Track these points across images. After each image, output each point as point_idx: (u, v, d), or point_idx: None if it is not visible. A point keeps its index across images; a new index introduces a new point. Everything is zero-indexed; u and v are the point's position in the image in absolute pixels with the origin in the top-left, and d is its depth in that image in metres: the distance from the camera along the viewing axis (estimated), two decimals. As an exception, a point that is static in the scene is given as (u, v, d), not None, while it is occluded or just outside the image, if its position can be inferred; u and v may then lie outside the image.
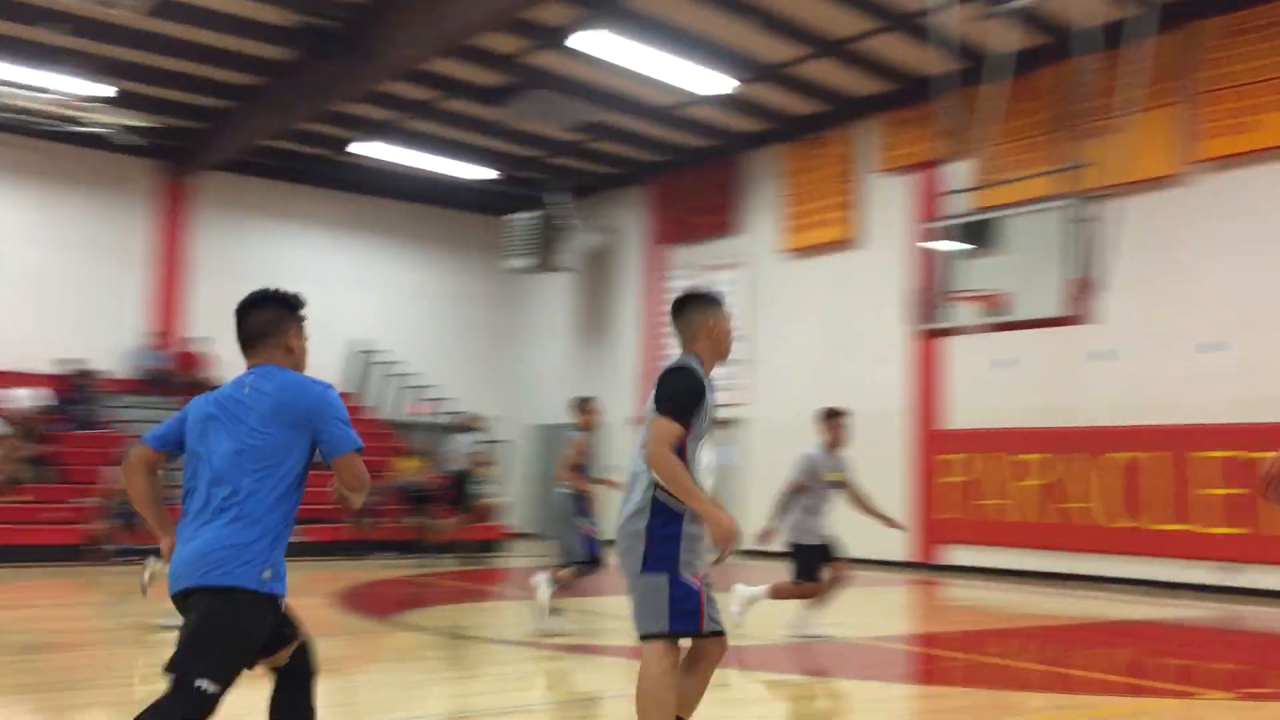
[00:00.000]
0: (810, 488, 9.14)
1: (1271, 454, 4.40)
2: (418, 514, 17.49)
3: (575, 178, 21.39)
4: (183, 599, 3.53)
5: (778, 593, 9.01)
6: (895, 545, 16.18)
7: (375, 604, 11.71)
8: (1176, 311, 13.69)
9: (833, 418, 9.45)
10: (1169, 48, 13.67)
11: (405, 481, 17.93)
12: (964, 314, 11.46)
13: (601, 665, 8.17)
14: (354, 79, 14.97)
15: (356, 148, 19.15)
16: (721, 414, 19.91)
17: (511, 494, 22.12)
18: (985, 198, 13.78)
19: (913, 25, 14.27)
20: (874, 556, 16.25)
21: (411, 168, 20.24)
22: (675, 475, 4.13)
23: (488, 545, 18.37)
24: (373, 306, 21.97)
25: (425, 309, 22.75)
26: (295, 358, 3.86)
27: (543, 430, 23.07)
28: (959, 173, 14.72)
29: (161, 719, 3.36)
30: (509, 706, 6.30)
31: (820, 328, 17.81)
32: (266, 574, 3.51)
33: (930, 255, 11.97)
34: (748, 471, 18.25)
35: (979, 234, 12.39)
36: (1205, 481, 13.19)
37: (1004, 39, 12.66)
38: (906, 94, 16.22)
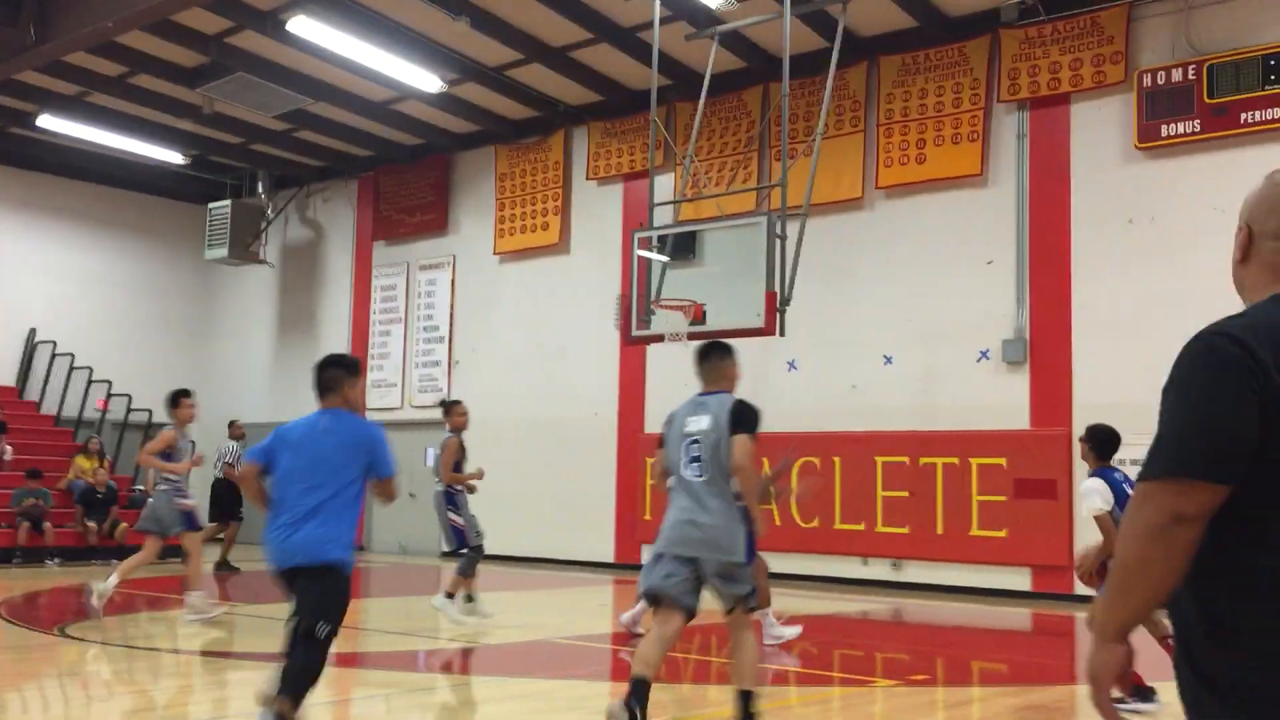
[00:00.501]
0: None
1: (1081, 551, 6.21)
2: (94, 517, 16.27)
3: (281, 168, 20.57)
4: (290, 574, 5.05)
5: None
6: (605, 548, 16.57)
7: (43, 615, 10.80)
8: (854, 326, 14.67)
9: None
10: (857, 80, 14.70)
11: (81, 482, 16.65)
12: (667, 322, 11.84)
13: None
14: (29, 48, 13.76)
15: (41, 122, 17.61)
16: (422, 415, 19.66)
17: (204, 496, 21.03)
18: (689, 210, 14.31)
19: (625, 38, 14.65)
20: (583, 558, 16.58)
21: (97, 146, 18.82)
22: (754, 487, 5.46)
23: (171, 550, 17.27)
24: (52, 294, 20.28)
25: (113, 299, 21.18)
26: (351, 403, 5.47)
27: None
28: (665, 185, 15.22)
29: (308, 662, 4.94)
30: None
31: (529, 331, 17.93)
32: (350, 556, 5.11)
33: (637, 264, 12.29)
34: (453, 473, 18.12)
35: (683, 245, 12.85)
36: (884, 484, 14.22)
37: (710, 60, 13.20)
38: (618, 105, 16.63)
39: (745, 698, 5.19)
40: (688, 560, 5.34)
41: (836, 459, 14.52)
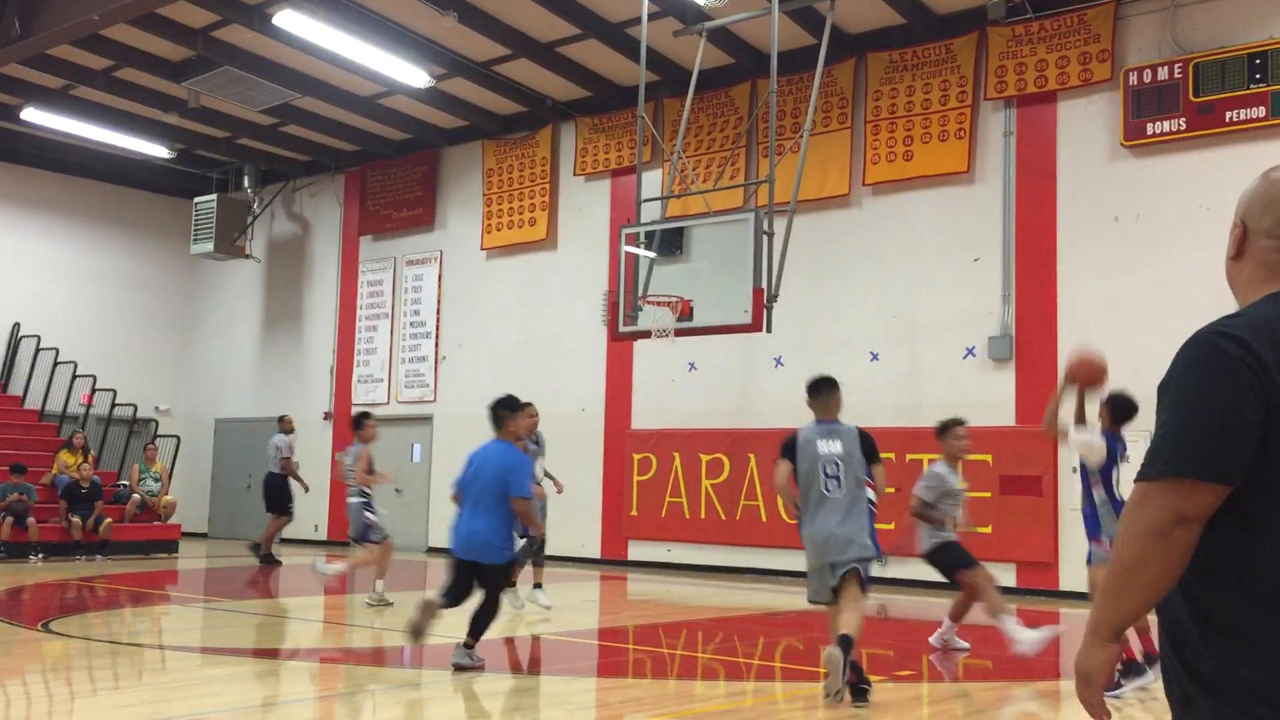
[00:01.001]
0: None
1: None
2: (78, 513, 16.21)
3: (267, 161, 20.50)
4: (467, 563, 7.44)
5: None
6: (592, 544, 16.57)
7: (26, 610, 10.76)
8: (840, 323, 14.70)
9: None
10: (845, 76, 14.72)
11: (64, 478, 16.58)
12: (654, 318, 11.83)
13: (275, 670, 7.86)
14: (14, 40, 13.67)
15: (25, 115, 17.51)
16: (408, 410, 19.66)
17: (187, 491, 20.97)
18: (677, 206, 14.31)
19: (614, 34, 14.64)
20: (570, 554, 16.57)
21: (82, 140, 18.73)
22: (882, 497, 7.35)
23: (156, 546, 17.27)
24: (36, 289, 20.19)
25: (98, 293, 21.09)
26: (513, 434, 7.73)
27: (226, 424, 21.97)
28: (653, 181, 15.22)
29: (489, 614, 7.44)
30: (171, 716, 5.94)
31: (516, 326, 17.91)
32: (508, 551, 7.59)
33: (625, 260, 12.28)
34: (434, 467, 18.13)
35: (670, 241, 12.85)
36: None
37: (698, 56, 13.21)
38: (606, 100, 16.62)
39: (846, 641, 6.28)
40: (834, 565, 6.59)
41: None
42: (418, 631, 7.33)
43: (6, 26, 13.42)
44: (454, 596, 7.44)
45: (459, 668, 7.25)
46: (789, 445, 6.92)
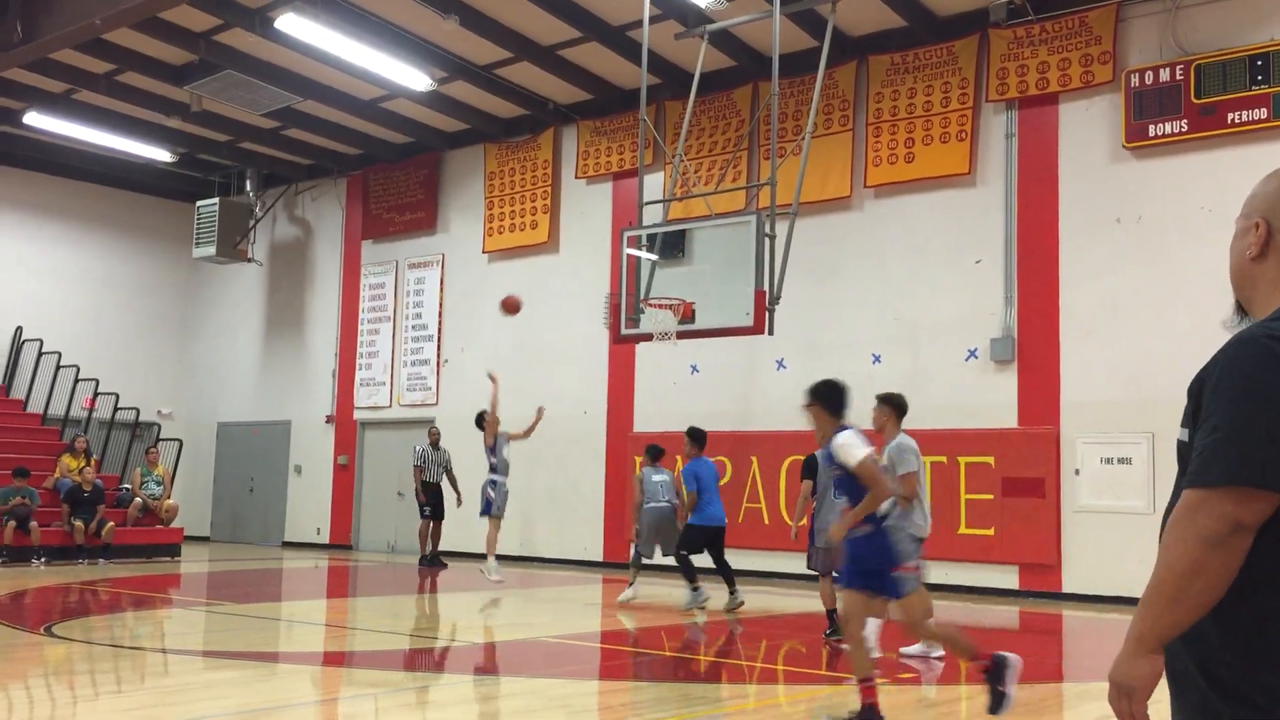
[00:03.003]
0: None
1: None
2: (81, 516, 16.21)
3: (269, 165, 20.51)
4: (713, 532, 11.23)
5: None
6: (594, 546, 16.57)
7: (29, 614, 10.76)
8: (843, 325, 14.69)
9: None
10: (846, 79, 14.72)
11: (66, 481, 16.59)
12: (656, 321, 11.83)
13: (276, 674, 7.86)
14: (16, 45, 13.68)
15: (28, 120, 17.53)
16: (410, 414, 19.63)
17: (189, 495, 20.98)
18: (679, 209, 14.31)
19: (615, 37, 14.65)
20: (572, 557, 16.57)
21: (83, 144, 18.75)
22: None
23: (158, 549, 17.26)
24: (38, 292, 20.21)
25: (100, 297, 21.11)
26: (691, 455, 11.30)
27: (229, 428, 21.99)
28: (655, 183, 15.21)
29: (729, 570, 11.38)
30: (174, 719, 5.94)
31: (517, 330, 17.89)
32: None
33: (627, 263, 12.28)
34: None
35: (672, 244, 12.85)
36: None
37: (701, 58, 13.21)
38: (608, 103, 16.63)
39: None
40: None
41: (825, 458, 14.54)
42: None
43: (8, 30, 13.43)
44: None
45: None
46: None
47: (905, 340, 14.19)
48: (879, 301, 14.45)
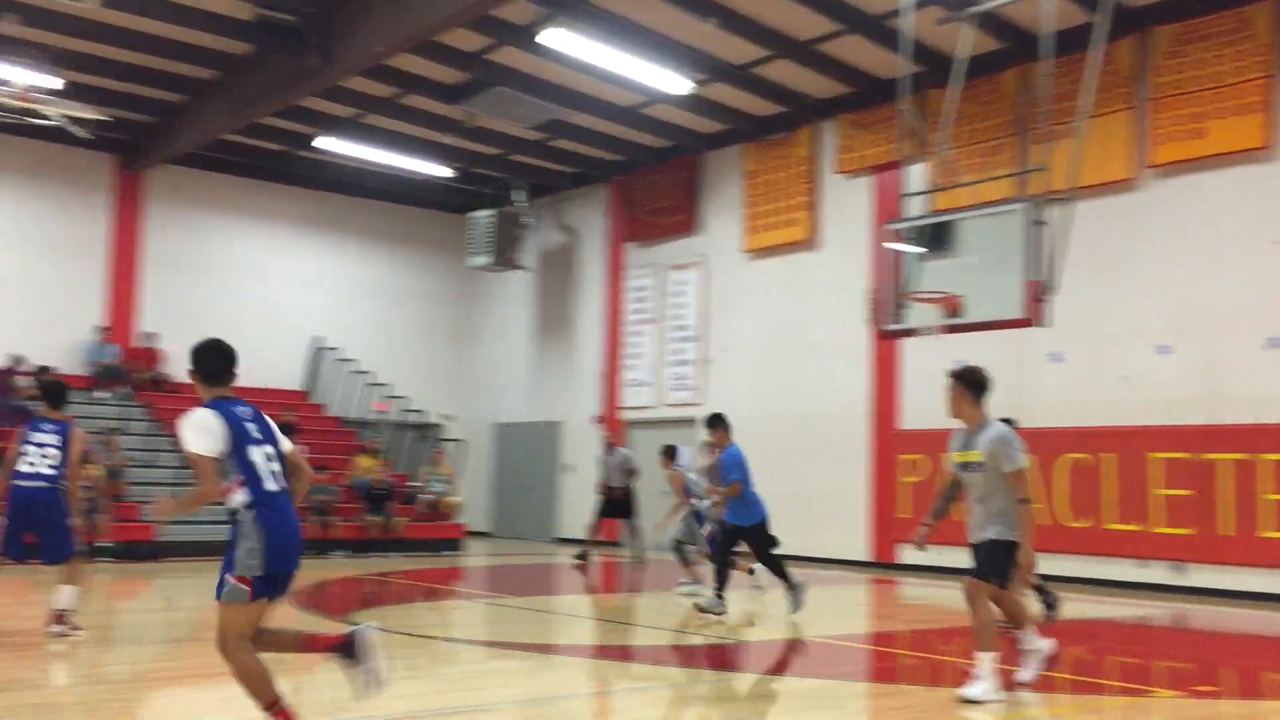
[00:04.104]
0: None
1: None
2: (374, 512, 17.40)
3: (536, 176, 21.33)
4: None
5: None
6: (857, 545, 16.33)
7: (331, 602, 11.62)
8: (1126, 314, 13.85)
9: None
10: (1125, 53, 13.86)
11: (362, 479, 17.82)
12: (921, 315, 11.52)
13: (555, 665, 8.15)
14: (312, 75, 14.82)
15: (317, 143, 18.99)
16: (675, 413, 19.81)
17: (471, 492, 22.08)
18: (943, 200, 13.88)
19: (874, 28, 14.37)
20: (836, 556, 16.38)
21: (371, 164, 20.13)
22: None
23: (443, 544, 18.28)
24: (330, 303, 21.83)
25: (384, 306, 22.61)
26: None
27: (502, 428, 23.02)
28: (918, 175, 14.82)
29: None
30: (462, 706, 6.26)
31: (778, 328, 17.87)
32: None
33: (889, 257, 12.02)
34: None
35: (937, 236, 12.47)
36: (1157, 482, 13.37)
37: (964, 43, 12.75)
38: (867, 96, 16.33)
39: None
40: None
41: (1105, 455, 13.77)
42: None
43: (305, 62, 14.55)
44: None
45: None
46: None
47: (1196, 328, 13.23)
48: (1165, 288, 13.54)
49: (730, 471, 10.19)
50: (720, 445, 10.45)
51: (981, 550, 6.68)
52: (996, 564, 6.60)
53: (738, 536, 10.31)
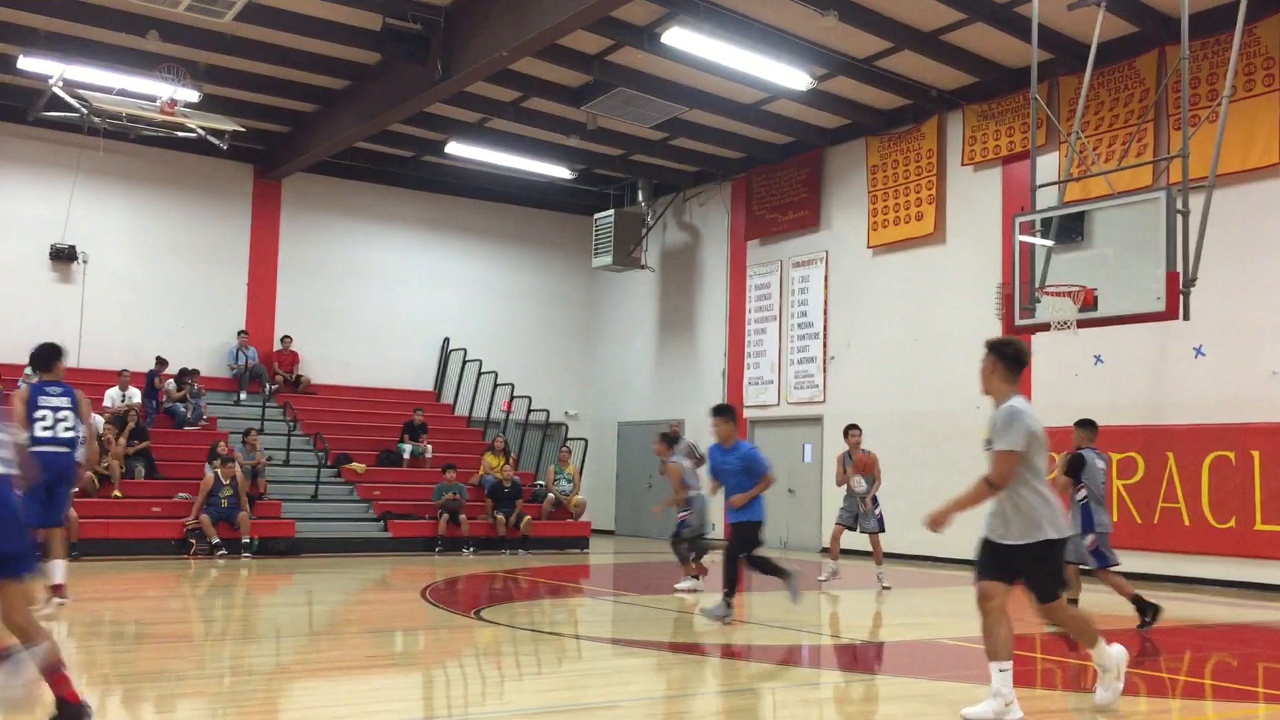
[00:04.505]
0: None
1: None
2: (502, 510, 17.67)
3: (658, 175, 21.40)
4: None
5: None
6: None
7: (460, 599, 11.85)
8: (1274, 306, 13.24)
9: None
10: (1269, 33, 13.24)
11: (490, 478, 18.12)
12: (1054, 309, 11.20)
13: (684, 663, 8.15)
14: (438, 81, 15.13)
15: (448, 150, 19.38)
16: (798, 411, 19.68)
17: (595, 490, 22.25)
18: (1075, 190, 13.48)
19: (1001, 15, 14.03)
20: (964, 557, 16.01)
21: (495, 167, 20.48)
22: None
23: (569, 542, 18.47)
24: (458, 305, 22.26)
25: (510, 307, 22.96)
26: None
27: (626, 427, 23.15)
28: (1048, 165, 14.41)
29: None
30: (588, 703, 6.31)
31: (903, 324, 17.58)
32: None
33: (1019, 250, 11.71)
34: (825, 468, 18.09)
35: (1069, 227, 12.10)
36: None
37: (1096, 28, 12.36)
38: (994, 85, 15.96)
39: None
40: None
41: (1254, 453, 13.18)
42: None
43: (431, 70, 14.86)
44: None
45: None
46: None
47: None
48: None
49: (763, 464, 9.64)
50: (729, 437, 9.73)
51: (1023, 558, 5.98)
52: (1051, 574, 5.97)
53: (738, 532, 9.77)
